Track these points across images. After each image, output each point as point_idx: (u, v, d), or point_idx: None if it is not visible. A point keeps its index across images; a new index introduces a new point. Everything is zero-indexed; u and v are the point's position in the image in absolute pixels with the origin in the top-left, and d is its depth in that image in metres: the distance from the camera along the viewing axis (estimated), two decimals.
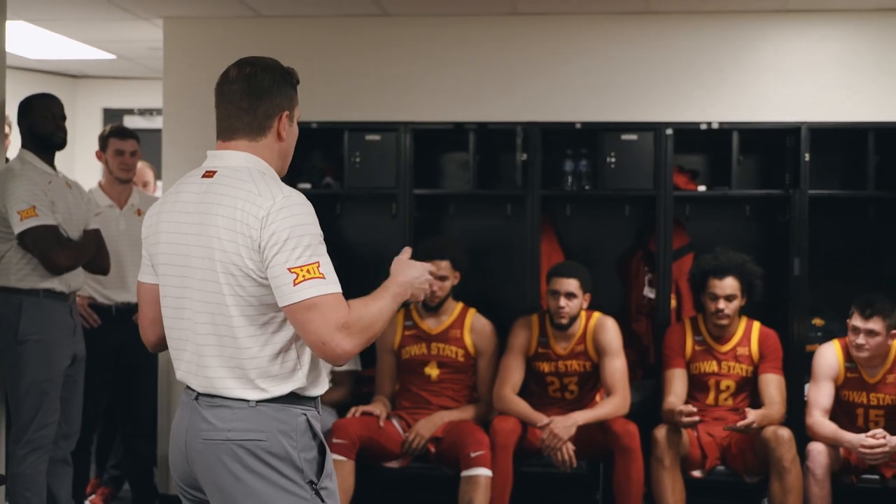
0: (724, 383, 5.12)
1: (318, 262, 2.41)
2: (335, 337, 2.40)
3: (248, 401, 2.50)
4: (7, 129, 5.12)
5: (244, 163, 2.55)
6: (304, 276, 2.39)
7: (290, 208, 2.44)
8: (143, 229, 2.67)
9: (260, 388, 2.49)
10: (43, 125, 4.48)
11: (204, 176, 2.56)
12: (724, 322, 5.08)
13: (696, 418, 4.82)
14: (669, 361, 5.15)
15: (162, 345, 2.71)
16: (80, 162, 8.16)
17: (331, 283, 2.42)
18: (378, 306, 2.51)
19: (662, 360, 5.20)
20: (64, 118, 4.57)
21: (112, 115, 8.53)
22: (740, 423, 4.78)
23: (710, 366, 5.13)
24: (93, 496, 5.61)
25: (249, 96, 2.57)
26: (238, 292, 2.46)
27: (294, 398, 2.52)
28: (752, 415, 4.82)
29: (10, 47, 6.95)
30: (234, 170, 2.53)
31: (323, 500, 2.54)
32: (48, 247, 4.29)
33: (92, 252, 4.49)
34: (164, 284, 2.59)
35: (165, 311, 2.61)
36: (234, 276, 2.46)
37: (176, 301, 2.56)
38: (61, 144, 4.57)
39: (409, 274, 2.64)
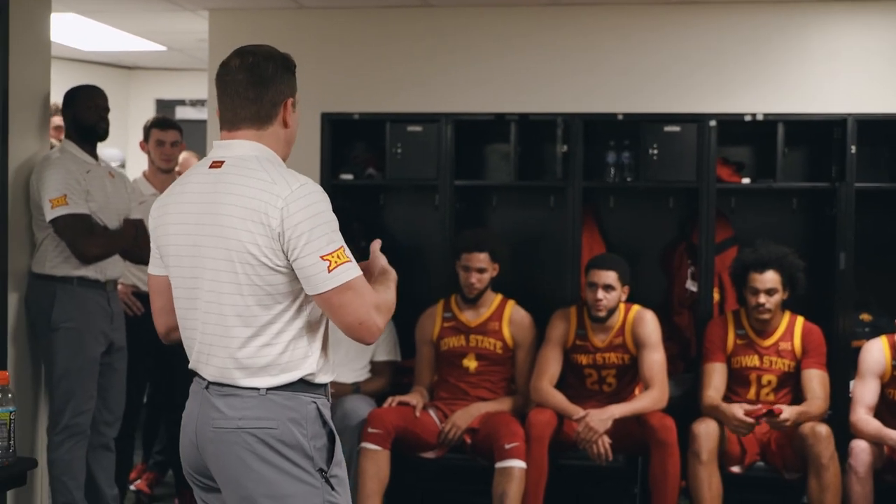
0: (765, 378, 5.05)
1: (342, 247, 2.47)
2: (372, 315, 2.49)
3: (258, 389, 2.51)
4: (59, 121, 5.22)
5: (252, 151, 2.56)
6: (335, 261, 2.45)
7: (309, 196, 2.47)
8: (149, 221, 2.69)
9: (270, 375, 2.51)
10: (86, 116, 4.54)
11: (211, 166, 2.56)
12: (766, 316, 5.01)
13: (751, 421, 4.76)
14: (710, 355, 5.09)
15: (173, 335, 2.74)
16: (134, 151, 8.28)
17: (356, 267, 2.50)
18: (392, 295, 2.64)
19: (703, 354, 5.15)
20: (107, 109, 4.62)
21: (164, 106, 8.65)
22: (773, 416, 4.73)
23: (752, 360, 5.07)
24: (138, 481, 5.70)
25: (254, 85, 2.57)
26: (255, 281, 2.48)
27: (303, 386, 2.54)
28: (787, 411, 4.75)
29: (65, 39, 7.11)
30: (242, 159, 2.54)
31: (333, 488, 2.55)
32: (77, 235, 4.35)
33: (127, 241, 4.52)
34: (174, 276, 2.61)
35: (177, 302, 2.62)
36: (252, 265, 2.47)
37: (187, 292, 2.58)
38: (103, 135, 4.62)
39: (392, 271, 2.75)
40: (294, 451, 2.51)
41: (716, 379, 5.03)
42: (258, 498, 2.51)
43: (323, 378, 2.59)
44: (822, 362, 5.03)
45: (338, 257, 2.45)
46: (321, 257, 2.43)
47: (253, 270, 2.47)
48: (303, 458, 2.52)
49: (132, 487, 5.61)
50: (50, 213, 4.32)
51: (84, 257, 4.38)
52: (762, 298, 4.97)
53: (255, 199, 2.46)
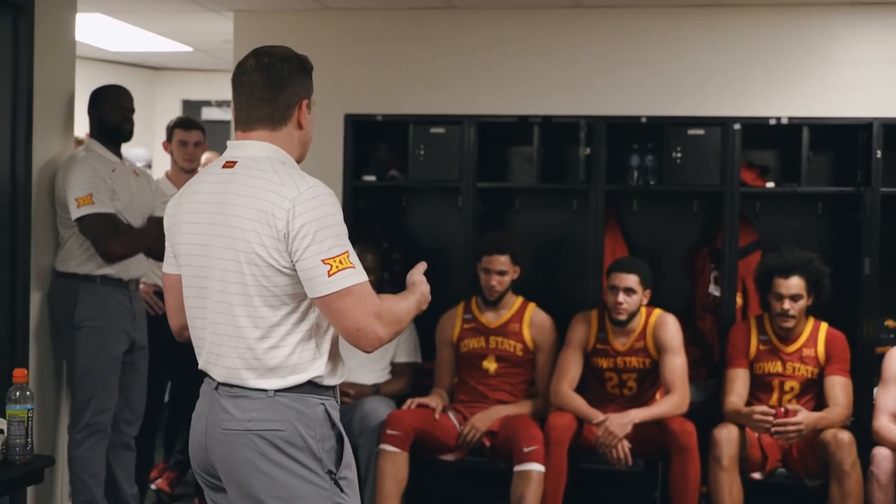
0: (788, 384, 5.02)
1: (347, 252, 2.45)
2: (370, 322, 2.46)
3: (266, 390, 2.51)
4: None
5: (264, 153, 2.56)
6: (337, 266, 2.43)
7: (317, 199, 2.45)
8: (164, 220, 2.70)
9: (279, 377, 2.50)
10: (112, 116, 4.56)
11: (224, 166, 2.57)
12: (790, 324, 4.97)
13: (770, 417, 4.73)
14: (732, 361, 5.06)
15: (185, 333, 2.74)
16: (160, 151, 8.33)
17: (360, 273, 2.47)
18: (405, 305, 2.61)
19: (725, 359, 5.12)
20: (132, 110, 4.64)
21: (190, 107, 8.70)
22: (787, 420, 4.70)
23: (775, 366, 5.03)
24: (158, 480, 5.72)
25: (269, 86, 2.57)
26: (262, 282, 2.47)
27: (312, 387, 2.53)
28: (802, 416, 4.72)
29: (92, 39, 7.16)
30: (254, 160, 2.54)
31: (342, 490, 2.55)
32: (102, 234, 4.36)
33: (151, 240, 4.52)
34: (185, 275, 2.62)
35: (187, 302, 2.63)
36: (259, 266, 2.47)
37: (197, 291, 2.59)
38: (128, 136, 4.65)
39: (425, 288, 2.72)
40: (302, 452, 2.50)
41: (738, 385, 4.99)
42: (267, 499, 2.50)
43: (332, 380, 2.59)
44: (846, 369, 4.99)
45: (340, 262, 2.43)
46: (322, 261, 2.43)
47: (260, 272, 2.47)
48: (311, 460, 2.51)
49: (153, 486, 5.64)
50: (76, 212, 4.35)
51: (108, 256, 4.41)
52: (787, 304, 4.94)
53: (264, 201, 2.46)
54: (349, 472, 2.60)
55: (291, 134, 2.61)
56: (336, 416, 2.59)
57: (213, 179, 2.57)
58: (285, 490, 2.49)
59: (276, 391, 2.51)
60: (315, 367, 2.54)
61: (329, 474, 2.53)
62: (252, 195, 2.48)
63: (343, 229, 2.48)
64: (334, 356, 2.60)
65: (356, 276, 2.45)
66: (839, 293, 5.30)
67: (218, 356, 2.55)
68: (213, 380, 2.59)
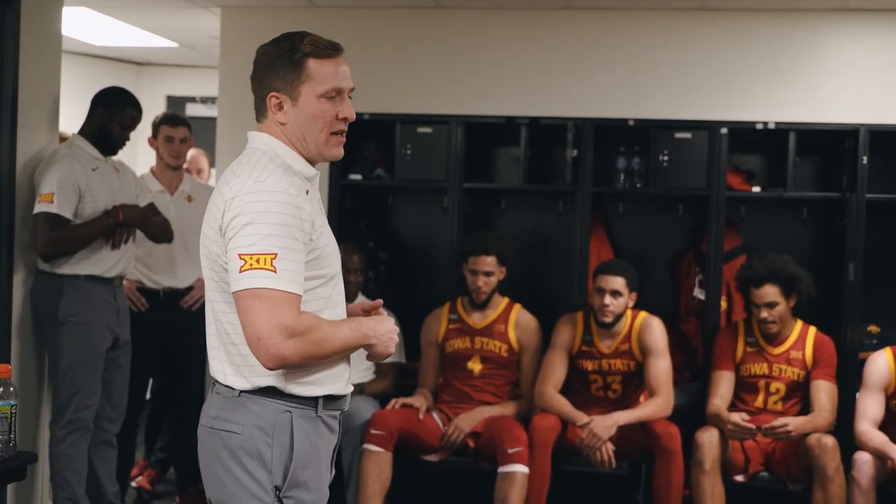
0: (773, 386, 5.03)
1: (275, 255, 2.28)
2: (274, 336, 2.27)
3: (234, 389, 2.43)
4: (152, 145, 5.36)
5: (258, 144, 2.48)
6: (252, 264, 2.27)
7: (260, 193, 2.32)
8: None
9: (242, 376, 2.41)
10: (116, 130, 4.55)
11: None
12: (773, 329, 4.98)
13: (748, 427, 4.74)
14: (717, 363, 5.07)
15: None
16: (143, 147, 8.28)
17: (282, 280, 2.28)
18: (337, 332, 2.38)
19: (711, 361, 5.13)
20: (133, 129, 4.64)
21: (175, 103, 8.65)
22: (773, 424, 4.71)
23: (761, 368, 5.04)
24: (139, 477, 5.69)
25: (253, 75, 2.51)
26: (215, 278, 2.42)
27: (278, 392, 2.41)
28: (788, 420, 4.73)
29: (76, 33, 7.11)
30: (248, 152, 2.48)
31: None
32: (39, 233, 4.33)
33: (92, 235, 4.40)
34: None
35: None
36: (212, 261, 2.41)
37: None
38: (115, 151, 4.64)
39: (381, 327, 2.46)
40: (254, 460, 2.39)
41: (723, 387, 5.00)
42: (212, 501, 2.47)
43: (301, 390, 2.43)
44: (832, 374, 5.00)
45: (257, 261, 2.27)
46: (239, 255, 2.29)
47: (213, 267, 2.42)
48: (261, 470, 2.40)
49: (133, 484, 5.61)
50: (35, 207, 4.34)
51: (40, 255, 4.39)
52: (764, 313, 4.96)
53: (218, 194, 2.41)
54: (304, 493, 2.45)
55: (276, 126, 2.48)
56: (310, 429, 2.44)
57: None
58: (228, 496, 2.42)
59: (242, 391, 2.42)
60: (276, 373, 2.39)
61: (275, 490, 2.40)
62: (216, 189, 2.45)
63: (281, 230, 2.30)
64: (317, 368, 2.44)
65: (272, 280, 2.27)
66: (823, 298, 5.32)
67: (210, 348, 2.52)
68: None
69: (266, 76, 2.47)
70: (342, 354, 2.44)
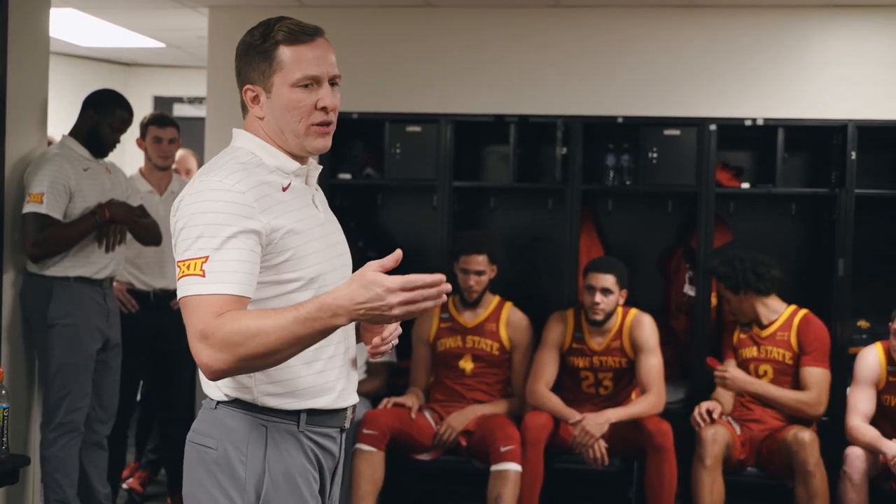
0: (762, 368, 5.06)
1: (205, 258, 2.11)
2: (195, 345, 2.09)
3: (211, 400, 2.30)
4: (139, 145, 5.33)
5: (236, 142, 2.34)
6: (184, 271, 2.12)
7: (199, 194, 2.16)
8: None
9: (216, 387, 2.27)
10: (105, 131, 4.54)
11: None
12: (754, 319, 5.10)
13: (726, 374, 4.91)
14: (723, 358, 5.22)
15: None
16: (131, 148, 8.26)
17: (210, 283, 2.10)
18: (260, 325, 2.05)
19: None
20: (124, 132, 4.64)
21: (162, 103, 8.63)
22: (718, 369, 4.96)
23: (751, 351, 5.11)
24: (130, 479, 5.67)
25: (235, 68, 2.36)
26: None
27: (253, 406, 2.25)
28: (730, 366, 5.00)
29: (63, 35, 7.08)
30: (224, 150, 2.35)
31: None
32: (27, 233, 4.33)
33: (78, 235, 4.39)
34: None
35: None
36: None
37: None
38: (106, 154, 4.63)
39: (357, 296, 2.04)
40: (227, 477, 2.23)
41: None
42: None
43: (278, 403, 2.25)
44: (820, 359, 5.02)
45: (189, 267, 2.11)
46: (177, 262, 2.15)
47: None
48: (233, 488, 2.23)
49: (124, 486, 5.59)
50: (24, 207, 4.34)
51: (28, 255, 4.38)
52: (734, 313, 5.17)
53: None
54: None
55: (254, 121, 2.32)
56: (290, 445, 2.27)
57: None
58: None
59: (218, 402, 2.27)
60: (243, 387, 2.24)
61: None
62: None
63: (213, 230, 2.12)
64: (293, 378, 2.25)
65: (199, 285, 2.09)
66: (813, 294, 5.34)
67: None
68: None
69: (242, 69, 2.31)
70: (298, 347, 2.09)
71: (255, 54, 2.28)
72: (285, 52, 2.25)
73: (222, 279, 2.10)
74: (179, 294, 2.13)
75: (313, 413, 2.28)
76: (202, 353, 2.08)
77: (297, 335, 2.05)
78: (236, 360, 2.06)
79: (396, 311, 2.04)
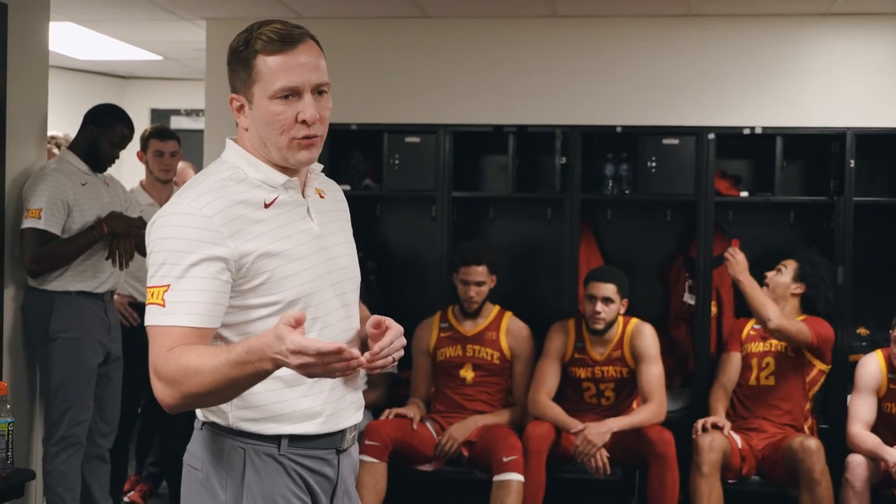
0: (764, 360, 5.12)
1: (167, 286, 2.04)
2: (152, 376, 2.05)
3: (198, 420, 2.24)
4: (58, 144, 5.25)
5: (224, 155, 2.26)
6: (149, 298, 2.07)
7: (167, 217, 2.10)
8: None
9: (199, 409, 2.22)
10: (104, 146, 4.54)
11: None
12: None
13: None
14: (727, 346, 5.27)
15: None
16: (128, 161, 8.26)
17: (170, 315, 2.03)
18: (199, 363, 1.99)
19: (724, 343, 5.35)
20: (123, 147, 4.63)
21: (159, 116, 8.64)
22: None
23: (757, 346, 5.17)
24: (131, 493, 5.66)
25: None
26: None
27: (228, 429, 2.18)
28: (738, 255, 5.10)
29: (60, 48, 7.09)
30: (211, 164, 2.28)
31: None
32: (26, 249, 4.33)
33: (78, 250, 4.39)
34: None
35: None
36: None
37: None
38: (104, 168, 4.62)
39: (272, 345, 1.92)
40: (210, 499, 2.19)
41: (730, 369, 5.20)
42: None
43: (258, 428, 2.17)
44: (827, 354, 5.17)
45: (152, 295, 2.05)
46: (147, 287, 2.09)
47: None
48: None
49: (126, 499, 5.57)
50: (23, 223, 4.34)
51: (27, 271, 4.38)
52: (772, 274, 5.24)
53: None
54: None
55: (241, 132, 2.23)
56: (271, 469, 2.18)
57: None
58: None
59: (204, 423, 2.22)
60: (220, 411, 2.17)
61: None
62: None
63: (176, 258, 2.04)
64: (273, 402, 2.17)
65: (161, 316, 2.03)
66: (812, 301, 5.34)
67: None
68: None
69: (229, 77, 2.20)
70: (236, 388, 2.02)
71: (237, 62, 2.16)
72: (264, 62, 2.13)
73: (181, 310, 2.03)
74: (146, 321, 2.07)
75: (298, 438, 2.21)
76: (154, 386, 2.04)
77: (230, 377, 1.98)
78: (182, 397, 2.01)
79: (301, 371, 1.93)
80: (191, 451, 2.24)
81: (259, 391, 2.12)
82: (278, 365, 1.94)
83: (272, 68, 2.12)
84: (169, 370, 2.00)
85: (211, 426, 2.19)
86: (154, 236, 2.09)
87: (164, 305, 2.03)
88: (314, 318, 2.19)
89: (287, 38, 2.13)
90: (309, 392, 2.19)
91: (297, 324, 1.91)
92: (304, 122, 2.14)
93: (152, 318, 2.04)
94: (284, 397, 2.17)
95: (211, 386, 1.97)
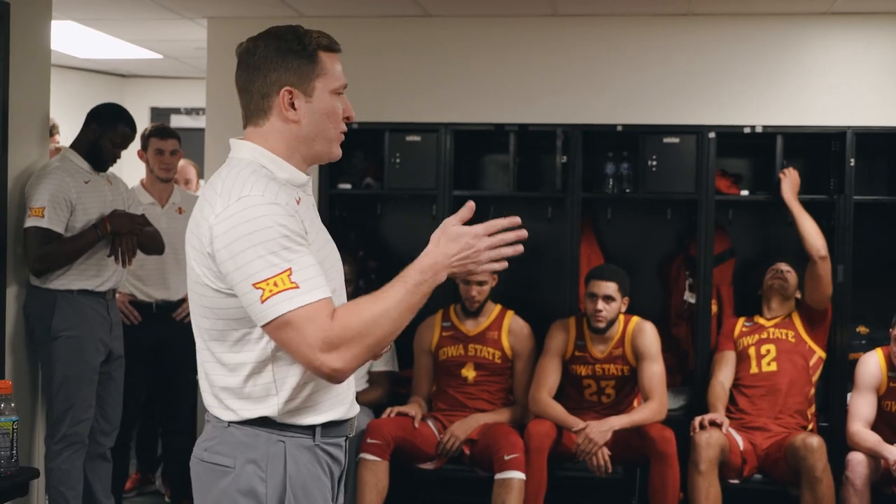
0: (764, 348, 5.16)
1: (288, 270, 2.08)
2: (318, 356, 2.08)
3: (222, 421, 2.25)
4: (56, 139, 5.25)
5: (244, 154, 2.26)
6: (271, 290, 2.07)
7: (241, 214, 2.10)
8: None
9: (231, 408, 2.23)
10: (106, 146, 4.54)
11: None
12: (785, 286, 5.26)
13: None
14: (719, 346, 5.32)
15: None
16: (128, 160, 8.26)
17: (306, 292, 2.08)
18: (380, 307, 2.11)
19: (716, 344, 5.39)
20: (125, 147, 4.64)
21: (159, 114, 8.63)
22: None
23: (753, 338, 5.22)
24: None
25: (243, 74, 2.27)
26: (205, 303, 2.21)
27: (270, 423, 2.22)
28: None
29: (61, 46, 7.09)
30: (230, 163, 2.27)
31: None
32: (30, 248, 4.34)
33: (81, 248, 4.39)
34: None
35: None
36: (199, 284, 2.21)
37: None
38: (106, 168, 4.63)
39: (449, 250, 2.15)
40: (247, 497, 2.21)
41: (725, 368, 5.25)
42: None
43: (298, 419, 2.23)
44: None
45: (276, 284, 2.06)
46: (253, 285, 2.08)
47: (202, 291, 2.21)
48: None
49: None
50: (25, 221, 4.34)
51: (31, 270, 4.39)
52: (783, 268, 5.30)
53: (198, 214, 2.20)
54: None
55: (280, 129, 2.26)
56: (307, 459, 2.24)
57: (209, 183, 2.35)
58: None
59: (231, 423, 2.23)
60: (269, 404, 2.21)
61: None
62: (198, 206, 2.23)
63: (283, 243, 2.09)
64: (311, 393, 2.23)
65: (298, 297, 2.07)
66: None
67: (202, 381, 2.33)
68: None
69: (273, 69, 2.23)
70: (410, 317, 2.15)
71: (294, 56, 2.23)
72: (326, 58, 2.26)
73: (315, 285, 2.10)
74: (275, 313, 2.07)
75: (327, 426, 2.27)
76: (329, 360, 2.08)
77: (411, 305, 2.13)
78: (366, 352, 2.11)
79: (485, 256, 2.17)
80: (213, 448, 2.25)
81: (305, 382, 2.20)
82: (448, 273, 2.16)
83: (335, 66, 2.28)
84: (349, 331, 2.08)
85: (245, 423, 2.22)
86: (235, 234, 2.09)
87: (298, 287, 2.07)
88: None
89: (336, 41, 2.32)
90: None
91: (469, 213, 2.19)
92: (347, 117, 2.31)
93: (291, 302, 2.06)
94: (323, 384, 2.23)
95: (395, 322, 2.11)
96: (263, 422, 2.22)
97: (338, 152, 2.34)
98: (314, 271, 2.11)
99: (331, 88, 2.26)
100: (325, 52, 2.27)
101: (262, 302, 2.07)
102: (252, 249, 2.08)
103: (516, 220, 2.23)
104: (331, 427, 2.28)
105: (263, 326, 2.11)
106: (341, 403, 2.30)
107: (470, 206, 2.21)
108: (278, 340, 2.12)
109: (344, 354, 2.09)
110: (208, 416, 2.30)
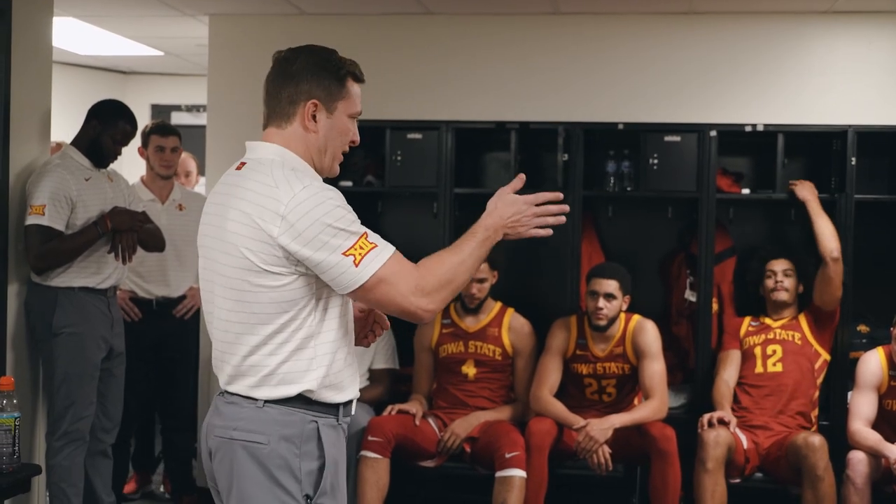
0: (770, 348, 5.16)
1: (364, 234, 2.38)
2: (412, 301, 2.39)
3: (256, 400, 2.44)
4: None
5: (271, 155, 2.49)
6: (359, 254, 2.35)
7: (314, 197, 2.36)
8: None
9: (268, 386, 2.43)
10: (106, 142, 4.54)
11: (237, 168, 2.53)
12: (784, 296, 5.23)
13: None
14: (724, 344, 5.31)
15: None
16: (128, 156, 8.25)
17: (387, 248, 2.40)
18: (456, 259, 2.45)
19: (721, 343, 5.37)
20: (126, 144, 4.64)
21: (160, 111, 8.63)
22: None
23: (759, 338, 5.21)
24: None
25: (276, 79, 2.53)
26: (254, 288, 2.40)
27: (304, 402, 2.44)
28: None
29: (61, 43, 7.08)
30: (258, 162, 2.47)
31: None
32: (31, 246, 4.34)
33: (83, 245, 4.40)
34: (200, 278, 2.60)
35: (203, 306, 2.60)
36: (251, 271, 2.39)
37: (207, 295, 2.55)
38: (106, 164, 4.62)
39: (504, 213, 2.53)
40: (282, 471, 2.41)
41: (730, 367, 5.23)
42: None
43: (330, 396, 2.47)
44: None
45: (361, 247, 2.35)
46: (343, 254, 2.34)
47: (253, 277, 2.40)
48: (291, 480, 2.42)
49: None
50: (26, 219, 4.34)
51: (32, 267, 4.39)
52: (780, 277, 5.25)
53: (255, 205, 2.39)
54: (331, 500, 2.48)
55: (299, 134, 2.51)
56: (334, 435, 2.48)
57: (225, 181, 2.53)
58: None
59: (266, 402, 2.43)
60: (307, 380, 2.43)
61: (306, 498, 2.43)
62: (246, 198, 2.41)
63: (350, 217, 2.38)
64: (335, 370, 2.47)
65: (382, 253, 2.37)
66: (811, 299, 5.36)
67: (222, 361, 2.51)
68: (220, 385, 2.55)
69: (305, 81, 2.50)
70: (477, 267, 2.51)
71: (327, 76, 2.53)
72: (353, 86, 2.59)
73: (384, 242, 2.40)
74: (367, 274, 2.35)
75: (345, 405, 2.53)
76: (423, 302, 2.40)
77: (479, 256, 2.49)
78: (450, 294, 2.44)
79: (533, 221, 2.55)
80: (244, 427, 2.42)
81: (338, 359, 2.47)
82: (504, 233, 2.53)
83: (356, 93, 2.60)
84: (437, 278, 2.42)
85: (279, 402, 2.42)
86: (312, 217, 2.33)
87: (377, 246, 2.38)
88: (345, 303, 2.53)
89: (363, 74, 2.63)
90: (348, 357, 2.54)
91: (520, 184, 2.58)
92: (353, 141, 2.62)
93: (378, 259, 2.36)
94: (349, 362, 2.52)
95: (470, 270, 2.47)
96: (298, 401, 2.43)
97: (337, 170, 2.61)
98: (375, 233, 2.41)
99: (349, 112, 2.57)
100: (353, 80, 2.58)
101: (356, 265, 2.34)
102: (329, 229, 2.34)
103: (559, 195, 2.58)
104: (347, 406, 2.54)
105: (357, 290, 2.37)
106: (355, 382, 2.55)
107: (521, 177, 2.61)
108: (373, 299, 2.40)
109: (434, 297, 2.41)
110: (230, 398, 2.47)
